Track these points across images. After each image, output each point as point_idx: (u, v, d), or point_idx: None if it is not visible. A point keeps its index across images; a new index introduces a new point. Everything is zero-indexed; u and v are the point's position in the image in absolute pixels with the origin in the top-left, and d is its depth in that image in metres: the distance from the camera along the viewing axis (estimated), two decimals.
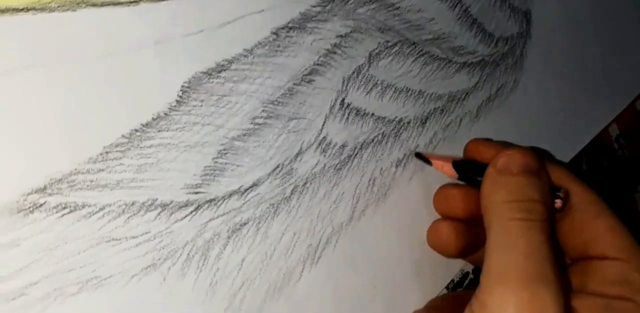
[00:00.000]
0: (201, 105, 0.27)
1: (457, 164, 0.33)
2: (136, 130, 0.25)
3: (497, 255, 0.27)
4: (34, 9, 0.24)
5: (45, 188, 0.23)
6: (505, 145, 0.34)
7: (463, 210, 0.33)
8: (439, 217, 0.36)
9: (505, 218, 0.28)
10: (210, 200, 0.27)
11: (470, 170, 0.33)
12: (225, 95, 0.28)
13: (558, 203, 0.30)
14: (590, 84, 0.48)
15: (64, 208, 0.24)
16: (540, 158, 0.31)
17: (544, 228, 0.28)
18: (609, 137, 0.52)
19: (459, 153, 0.39)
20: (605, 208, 0.31)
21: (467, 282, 0.43)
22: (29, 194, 0.23)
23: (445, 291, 0.41)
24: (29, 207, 0.23)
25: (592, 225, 0.30)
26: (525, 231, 0.27)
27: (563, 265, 0.33)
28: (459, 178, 0.33)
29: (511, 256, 0.27)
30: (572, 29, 0.46)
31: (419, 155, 0.34)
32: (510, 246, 0.27)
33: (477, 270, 0.44)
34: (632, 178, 0.56)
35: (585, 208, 0.31)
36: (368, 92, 0.34)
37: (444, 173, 0.34)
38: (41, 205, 0.23)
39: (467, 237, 0.33)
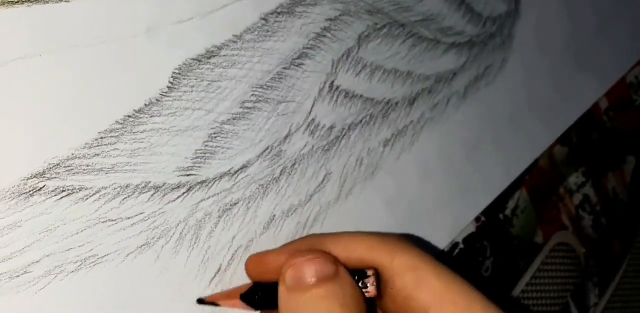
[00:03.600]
0: (192, 91, 0.28)
1: (245, 296, 0.27)
2: (130, 116, 0.27)
3: None
4: (29, 1, 0.25)
5: (44, 173, 0.24)
6: (289, 247, 0.28)
7: None
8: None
9: None
10: (202, 182, 0.29)
11: (264, 297, 0.27)
12: (215, 81, 0.29)
13: (370, 292, 0.24)
14: (581, 60, 0.48)
15: (62, 191, 0.25)
16: (327, 248, 0.26)
17: None
18: (598, 110, 0.53)
19: (446, 135, 0.40)
20: (429, 269, 0.25)
21: (457, 251, 0.45)
22: (28, 179, 0.24)
23: None
24: (29, 191, 0.24)
25: (416, 298, 0.24)
26: None
27: None
28: (257, 309, 0.28)
29: None
30: (561, 6, 0.47)
31: (201, 302, 0.28)
32: None
33: (468, 240, 0.45)
34: (620, 149, 0.57)
35: (402, 279, 0.25)
36: (357, 74, 0.35)
37: (239, 309, 0.28)
38: (40, 189, 0.24)
39: None
